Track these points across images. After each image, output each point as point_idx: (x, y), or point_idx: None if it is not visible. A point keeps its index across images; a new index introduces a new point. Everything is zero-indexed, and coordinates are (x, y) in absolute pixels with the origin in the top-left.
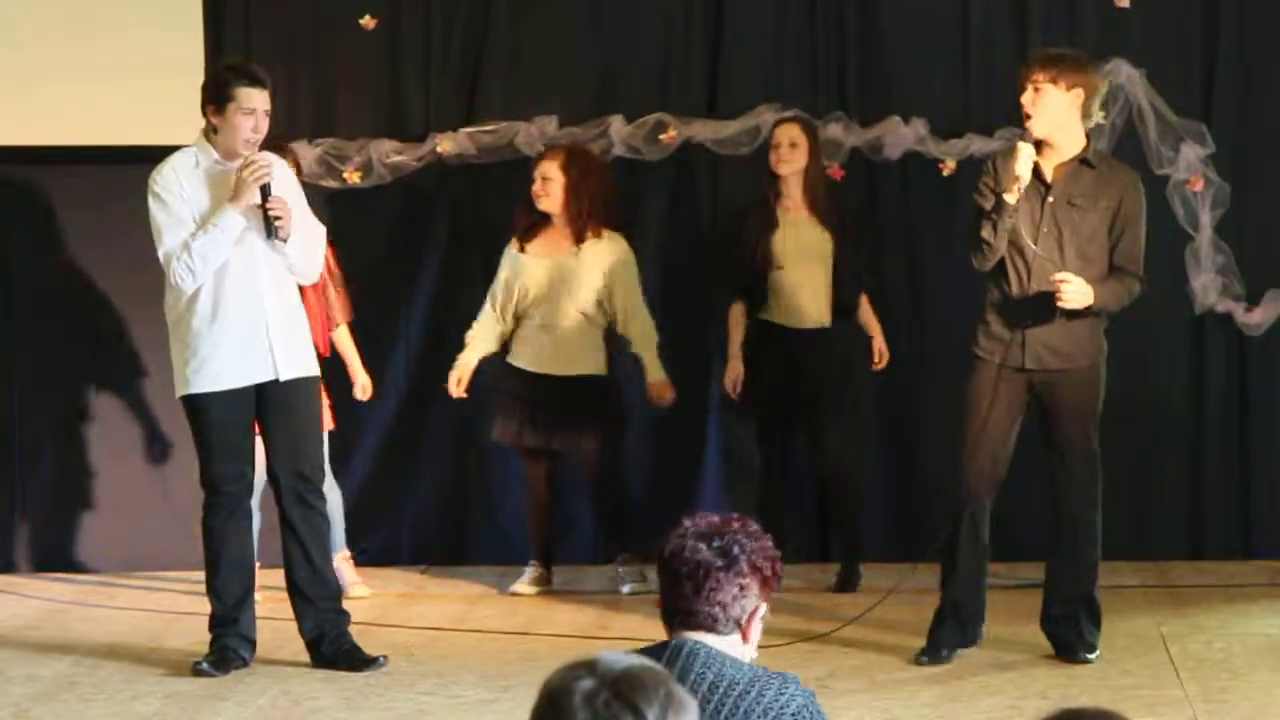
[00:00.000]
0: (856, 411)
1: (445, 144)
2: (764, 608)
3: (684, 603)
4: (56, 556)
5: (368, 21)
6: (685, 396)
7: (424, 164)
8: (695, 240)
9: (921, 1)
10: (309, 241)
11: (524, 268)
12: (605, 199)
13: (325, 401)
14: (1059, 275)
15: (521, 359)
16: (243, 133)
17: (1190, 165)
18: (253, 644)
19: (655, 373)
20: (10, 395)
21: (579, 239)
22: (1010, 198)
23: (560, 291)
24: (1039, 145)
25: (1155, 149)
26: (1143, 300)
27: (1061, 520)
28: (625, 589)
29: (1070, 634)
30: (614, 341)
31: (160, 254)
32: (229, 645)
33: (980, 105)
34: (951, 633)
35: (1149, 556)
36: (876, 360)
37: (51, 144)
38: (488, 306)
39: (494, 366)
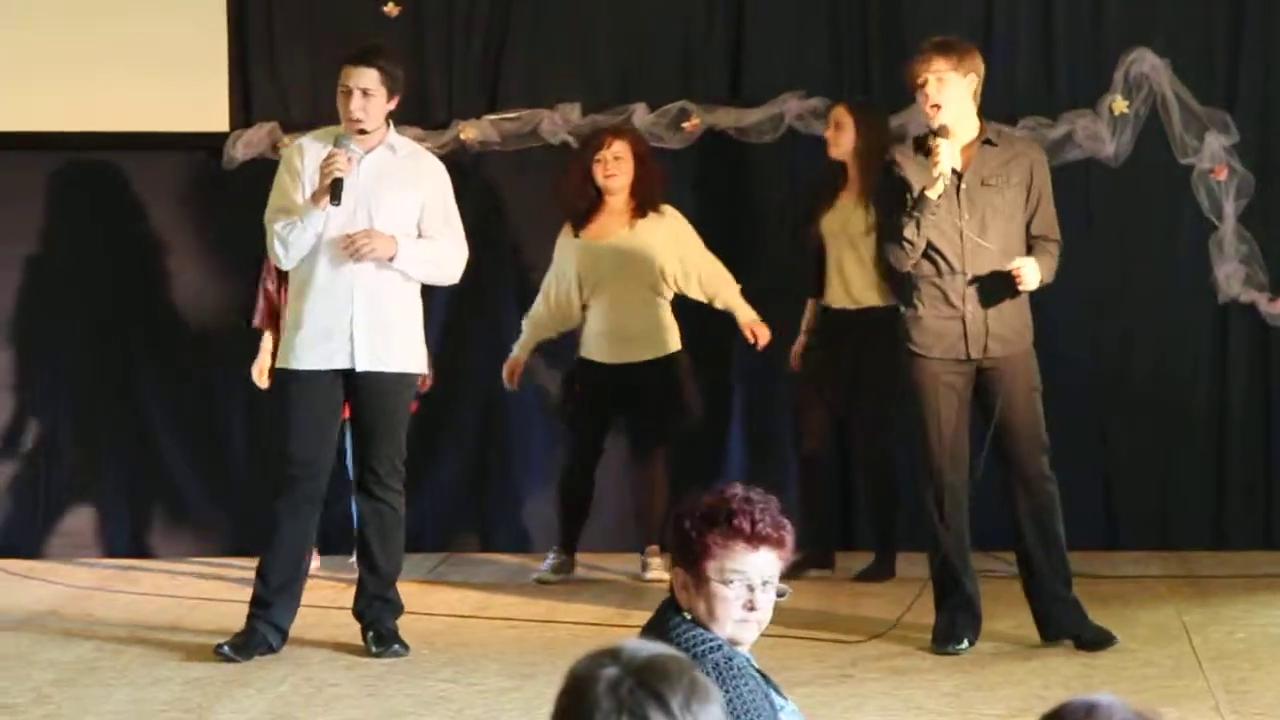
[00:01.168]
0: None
1: (468, 131)
2: (673, 572)
3: None
4: (79, 542)
5: (391, 9)
6: (710, 385)
7: (447, 151)
8: (718, 228)
9: None
10: (432, 255)
11: (582, 253)
12: (662, 177)
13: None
14: (1014, 263)
15: (596, 351)
16: (343, 111)
17: (1214, 154)
18: (283, 634)
19: (747, 313)
20: (35, 381)
21: (637, 216)
22: (933, 193)
23: (625, 272)
24: (945, 134)
25: (1179, 138)
26: (1166, 290)
27: (1027, 507)
28: (648, 575)
29: (1082, 625)
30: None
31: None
32: (258, 629)
33: (1003, 91)
34: (966, 624)
35: (1171, 546)
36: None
37: (75, 130)
38: (540, 300)
39: (574, 366)
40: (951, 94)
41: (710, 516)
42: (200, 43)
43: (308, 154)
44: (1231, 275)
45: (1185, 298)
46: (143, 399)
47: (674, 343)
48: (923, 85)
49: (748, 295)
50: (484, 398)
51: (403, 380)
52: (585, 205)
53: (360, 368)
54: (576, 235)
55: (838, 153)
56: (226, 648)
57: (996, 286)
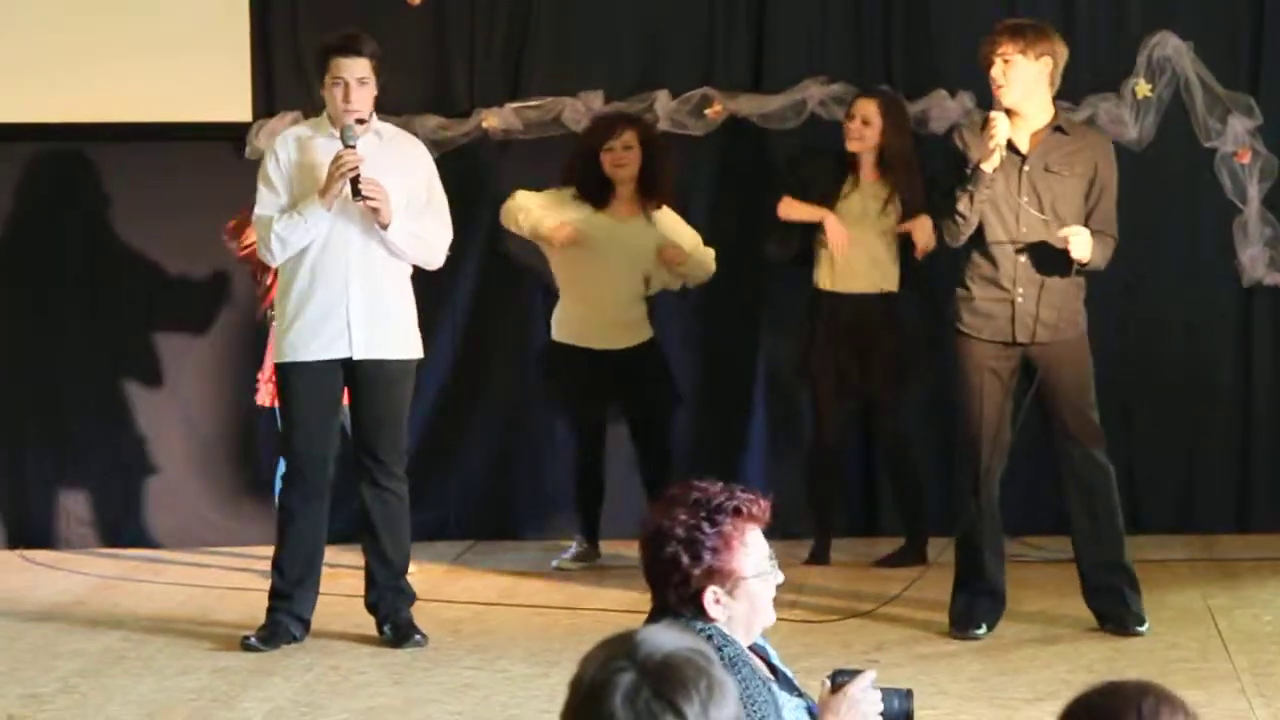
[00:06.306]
0: (911, 382)
1: (491, 119)
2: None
3: None
4: (105, 532)
5: None
6: (733, 369)
7: (470, 140)
8: (742, 214)
9: None
10: (422, 232)
11: (596, 226)
12: (671, 175)
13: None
14: (1064, 230)
15: (582, 337)
16: (336, 103)
17: (1238, 137)
18: (305, 624)
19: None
20: (58, 371)
21: (645, 207)
22: (988, 166)
23: (628, 258)
24: (1009, 115)
25: (1203, 121)
26: (1190, 273)
27: (1075, 492)
28: None
29: (1116, 607)
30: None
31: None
32: (281, 620)
33: None
34: (986, 610)
35: (1196, 530)
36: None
37: (98, 120)
38: (533, 198)
39: (552, 352)
40: (1016, 76)
41: (713, 516)
42: (223, 31)
43: (293, 145)
44: (1256, 258)
45: (1209, 281)
46: (167, 390)
47: (650, 329)
48: (989, 68)
49: (767, 280)
50: (507, 386)
51: (403, 368)
52: (597, 187)
53: (358, 355)
54: (596, 210)
55: (860, 146)
56: (253, 639)
57: (1048, 263)
